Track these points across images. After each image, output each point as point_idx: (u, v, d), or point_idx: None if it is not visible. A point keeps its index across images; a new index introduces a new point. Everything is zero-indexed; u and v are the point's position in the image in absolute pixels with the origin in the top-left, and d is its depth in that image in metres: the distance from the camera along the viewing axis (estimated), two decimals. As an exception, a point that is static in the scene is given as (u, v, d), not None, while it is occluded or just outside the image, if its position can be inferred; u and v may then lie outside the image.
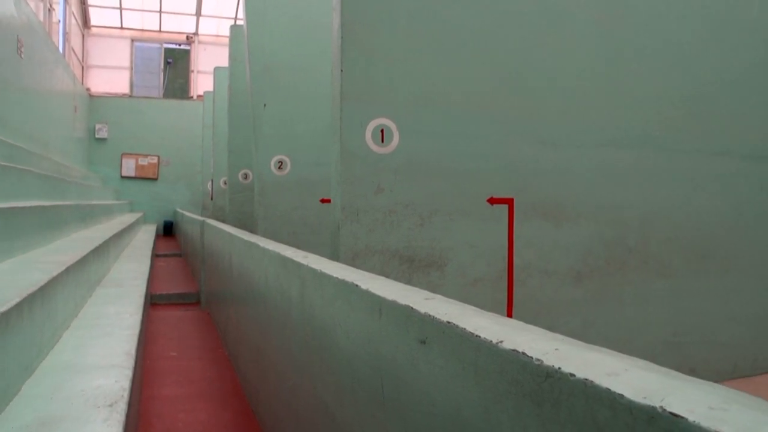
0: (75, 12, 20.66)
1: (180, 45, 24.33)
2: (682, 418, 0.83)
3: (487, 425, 1.26)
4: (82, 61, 22.23)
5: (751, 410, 0.84)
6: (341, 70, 3.90)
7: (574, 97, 4.73)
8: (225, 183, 11.54)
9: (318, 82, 6.81)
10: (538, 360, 1.09)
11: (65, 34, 18.56)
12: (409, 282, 3.92)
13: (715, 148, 5.47)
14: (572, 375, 1.01)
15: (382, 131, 3.94)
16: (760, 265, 5.79)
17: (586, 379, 0.98)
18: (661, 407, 0.86)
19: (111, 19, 23.23)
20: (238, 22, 19.89)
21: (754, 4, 5.70)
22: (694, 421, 0.81)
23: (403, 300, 1.62)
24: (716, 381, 3.40)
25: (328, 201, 4.21)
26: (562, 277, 4.60)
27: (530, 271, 4.45)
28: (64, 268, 3.53)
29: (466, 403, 1.33)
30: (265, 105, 7.05)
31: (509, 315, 4.34)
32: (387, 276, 3.78)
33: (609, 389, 0.94)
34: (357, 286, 1.94)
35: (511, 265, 4.36)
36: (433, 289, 3.95)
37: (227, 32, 10.74)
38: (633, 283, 4.95)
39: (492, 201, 4.30)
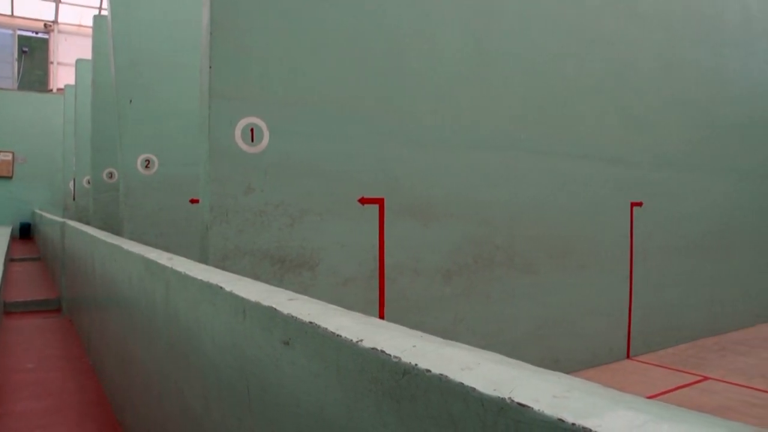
0: None
1: (37, 33, 22.71)
2: (528, 407, 0.88)
3: (350, 423, 1.27)
4: None
5: (590, 396, 0.90)
6: (210, 67, 3.80)
7: (444, 99, 4.87)
8: (89, 182, 10.89)
9: (187, 78, 6.58)
10: (396, 357, 1.11)
11: None
12: (280, 283, 3.88)
13: (577, 151, 5.83)
14: (428, 371, 1.04)
15: (252, 130, 3.87)
16: (615, 260, 6.24)
17: (442, 375, 1.01)
18: (510, 398, 0.91)
19: (-49, -1, 21.28)
20: (103, 12, 18.88)
21: (610, 21, 6.14)
22: (539, 410, 0.86)
23: (266, 301, 1.60)
24: (578, 369, 3.64)
25: (198, 201, 4.09)
26: (432, 275, 4.73)
27: (401, 270, 4.54)
28: None
29: (330, 402, 1.33)
30: (131, 101, 6.73)
31: (381, 314, 4.41)
32: (258, 277, 3.73)
33: (462, 383, 0.97)
34: (221, 288, 1.90)
35: (382, 264, 4.43)
36: (305, 289, 3.94)
37: (91, 22, 10.14)
38: (500, 279, 5.18)
39: (363, 201, 4.35)
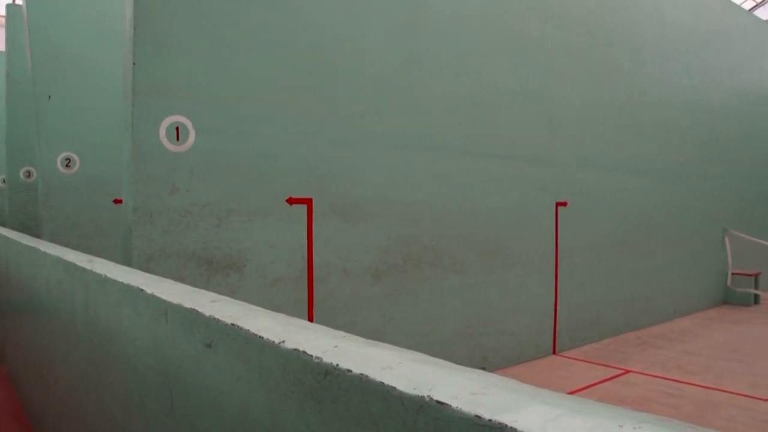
0: None
1: (-59, 19, 21.43)
2: (447, 405, 0.89)
3: (273, 425, 1.25)
4: None
5: (506, 392, 0.92)
6: (133, 63, 3.69)
7: (372, 100, 4.88)
8: (4, 181, 10.38)
9: (111, 74, 6.36)
10: (317, 358, 1.10)
11: None
12: (207, 285, 3.81)
13: (503, 152, 5.95)
14: (349, 371, 1.04)
15: (177, 129, 3.78)
16: (541, 259, 6.40)
17: (362, 374, 1.01)
18: (429, 396, 0.91)
19: None
20: (18, 1, 18.03)
21: (535, 25, 6.29)
22: (457, 407, 0.87)
23: (188, 303, 1.57)
24: (505, 366, 3.71)
25: (122, 202, 3.97)
26: (361, 275, 4.74)
27: (329, 270, 4.53)
28: None
29: (253, 404, 1.32)
30: (50, 96, 6.46)
31: (309, 314, 4.38)
32: (184, 279, 3.65)
33: (383, 383, 0.98)
34: (142, 290, 1.85)
35: (310, 264, 4.41)
36: (233, 291, 3.88)
37: (4, 11, 9.65)
38: (428, 278, 5.23)
39: (291, 201, 4.31)
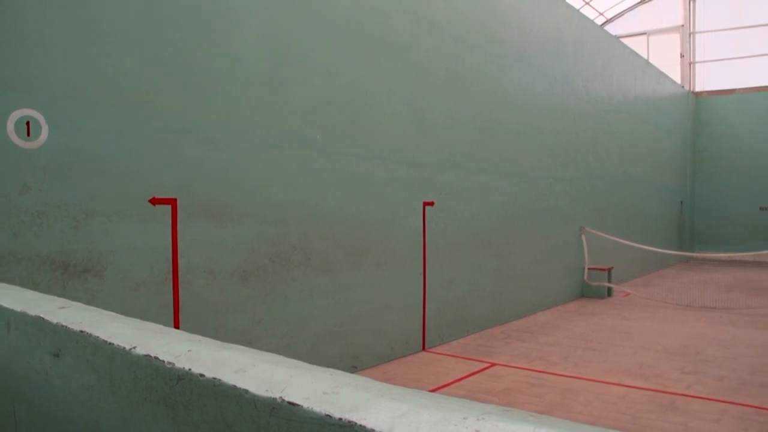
0: None
1: None
2: (298, 405, 0.90)
3: (126, 436, 1.21)
4: None
5: (358, 390, 0.94)
6: (-24, 51, 3.40)
7: (240, 99, 4.80)
8: None
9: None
10: (170, 363, 1.08)
11: None
12: (63, 291, 3.58)
13: (372, 153, 6.04)
14: (202, 375, 1.02)
15: (28, 123, 3.53)
16: (409, 257, 6.55)
17: (215, 378, 1.00)
18: (281, 398, 0.92)
19: None
20: None
21: (405, 29, 6.43)
22: (308, 407, 0.89)
23: (34, 311, 1.47)
24: (376, 364, 3.76)
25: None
26: (228, 277, 4.65)
27: (196, 273, 4.41)
28: None
29: (104, 415, 1.26)
30: None
31: (176, 318, 4.24)
32: (37, 286, 3.42)
33: (235, 386, 0.97)
34: (-18, 298, 1.71)
35: (175, 267, 4.26)
36: (93, 296, 3.68)
37: None
38: (297, 279, 5.22)
39: (154, 201, 4.15)
